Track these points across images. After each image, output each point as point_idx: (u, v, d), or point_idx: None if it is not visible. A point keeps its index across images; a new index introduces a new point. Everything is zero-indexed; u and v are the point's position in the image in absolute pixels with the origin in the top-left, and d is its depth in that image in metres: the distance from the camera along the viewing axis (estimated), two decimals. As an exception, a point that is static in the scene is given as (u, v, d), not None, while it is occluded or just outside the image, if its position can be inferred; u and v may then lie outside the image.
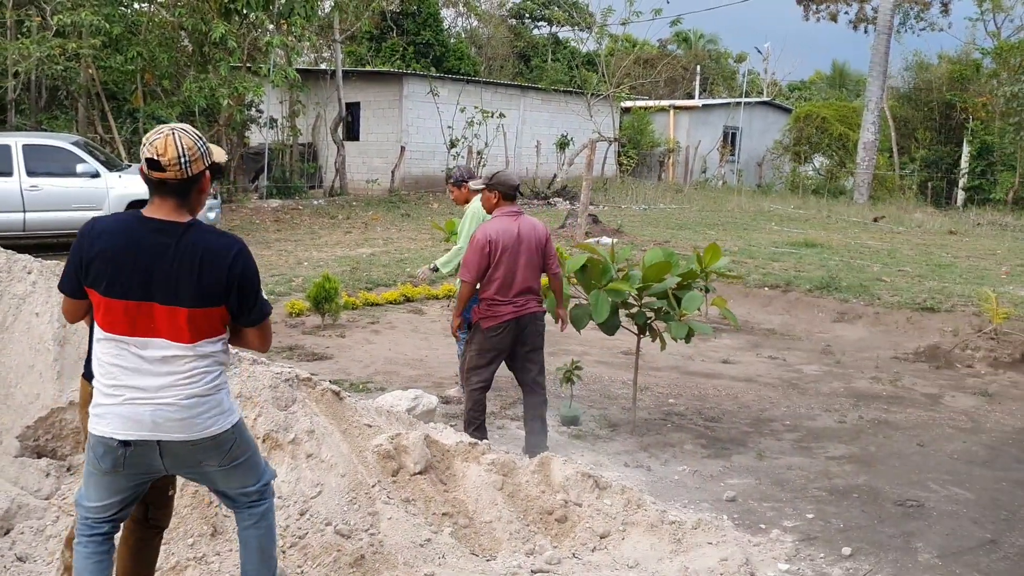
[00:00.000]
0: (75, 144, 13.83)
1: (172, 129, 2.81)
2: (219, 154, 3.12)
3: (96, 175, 13.30)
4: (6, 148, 13.07)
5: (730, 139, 33.78)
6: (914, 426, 6.77)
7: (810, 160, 32.59)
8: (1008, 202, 26.36)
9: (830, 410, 7.09)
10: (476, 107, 24.90)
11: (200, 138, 2.88)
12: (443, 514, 4.46)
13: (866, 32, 34.98)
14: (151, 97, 20.67)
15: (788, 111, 35.35)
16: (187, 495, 4.16)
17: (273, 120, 23.56)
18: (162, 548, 3.96)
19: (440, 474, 4.73)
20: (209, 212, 14.19)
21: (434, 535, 4.25)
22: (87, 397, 3.17)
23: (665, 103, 33.11)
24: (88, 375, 3.21)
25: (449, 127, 24.77)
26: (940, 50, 38.63)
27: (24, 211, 12.86)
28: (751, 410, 7.03)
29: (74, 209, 13.05)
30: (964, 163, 29.58)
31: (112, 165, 14.18)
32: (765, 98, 38.45)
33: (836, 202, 26.37)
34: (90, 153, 13.76)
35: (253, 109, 22.32)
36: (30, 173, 12.99)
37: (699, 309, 6.09)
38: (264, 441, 4.33)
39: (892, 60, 29.55)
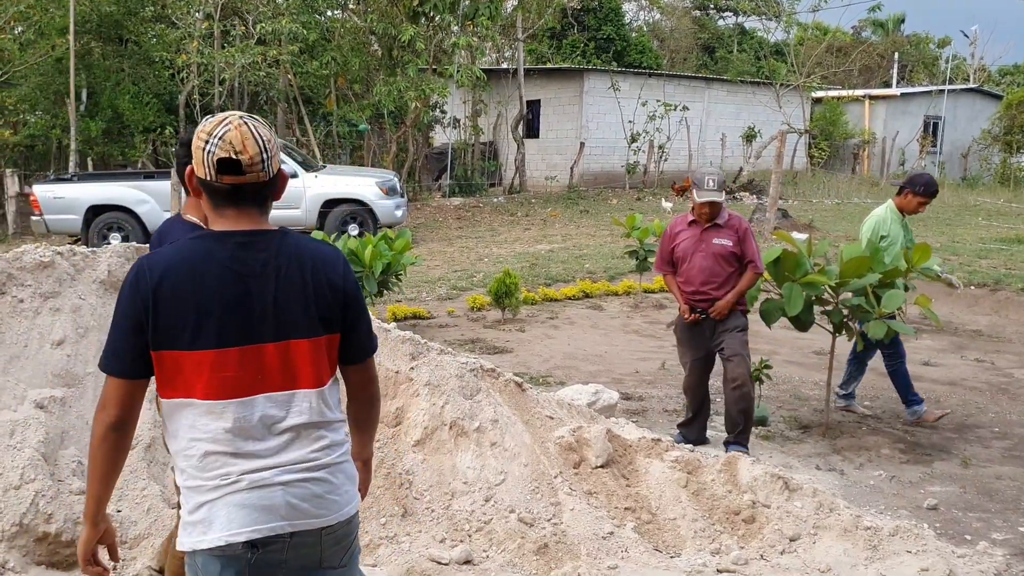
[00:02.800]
0: (276, 146, 14.71)
1: (241, 118, 2.11)
2: None
3: (294, 175, 14.10)
4: (214, 150, 14.08)
5: (931, 129, 31.70)
6: None
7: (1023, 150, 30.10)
8: None
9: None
10: (658, 101, 24.60)
11: (271, 125, 2.25)
12: (625, 508, 4.42)
13: (1092, 8, 31.79)
14: (343, 101, 21.73)
15: (998, 98, 32.75)
16: (379, 476, 4.33)
17: (456, 120, 24.22)
18: (355, 526, 4.14)
19: (622, 469, 4.69)
20: (397, 211, 14.77)
21: (616, 529, 4.22)
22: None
23: (860, 92, 31.50)
24: None
25: (630, 122, 24.61)
26: None
27: (230, 208, 13.79)
28: (955, 415, 6.55)
29: (274, 208, 13.90)
30: None
31: (308, 166, 15.01)
32: (972, 85, 35.85)
33: (1054, 195, 24.25)
34: (288, 154, 14.61)
35: (437, 110, 23.01)
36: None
37: (900, 308, 5.75)
38: (451, 428, 4.44)
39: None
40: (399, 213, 14.84)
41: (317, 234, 6.60)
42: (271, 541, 2.09)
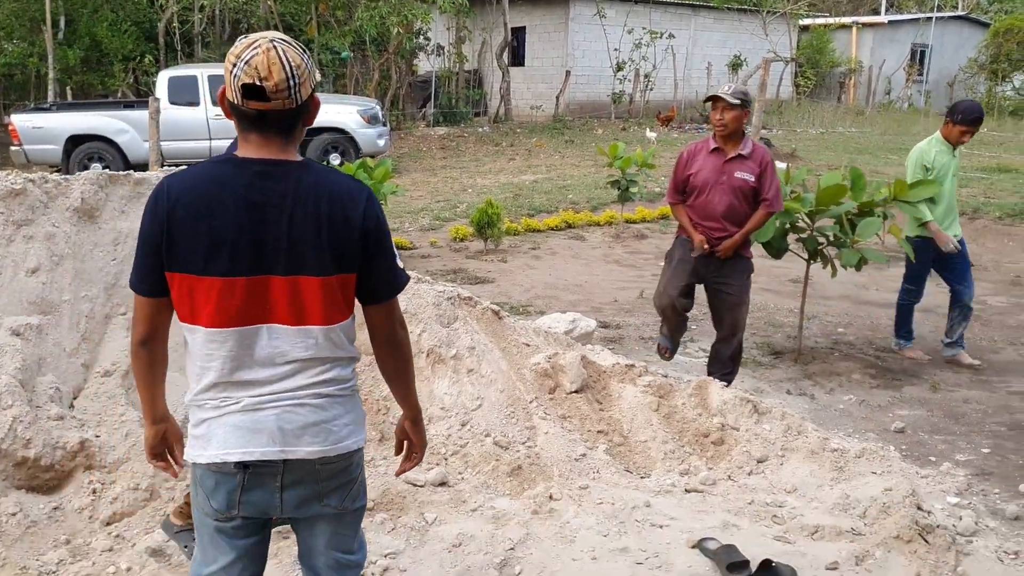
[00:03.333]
0: (256, 74, 14.52)
1: (272, 42, 2.04)
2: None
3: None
4: (193, 79, 13.91)
5: (918, 58, 31.45)
6: (1113, 363, 6.25)
7: (1009, 79, 29.94)
8: None
9: (1016, 343, 6.64)
10: (644, 28, 24.27)
11: (304, 49, 2.14)
12: (598, 432, 4.52)
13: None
14: (325, 27, 21.34)
15: (986, 26, 32.46)
16: (356, 403, 4.42)
17: (440, 47, 23.84)
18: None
19: (596, 394, 4.79)
20: (379, 140, 14.65)
21: (589, 451, 4.32)
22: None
23: (847, 20, 31.15)
24: None
25: (616, 50, 24.30)
26: None
27: (210, 139, 13.68)
28: (927, 341, 6.67)
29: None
30: None
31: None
32: (960, 12, 35.46)
33: (1038, 124, 24.23)
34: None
35: (421, 37, 22.65)
36: (215, 103, 13.75)
37: (878, 235, 5.81)
38: (428, 356, 4.51)
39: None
40: (381, 142, 14.73)
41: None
42: (262, 464, 2.13)
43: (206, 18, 20.15)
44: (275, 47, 2.03)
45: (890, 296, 8.02)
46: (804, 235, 5.86)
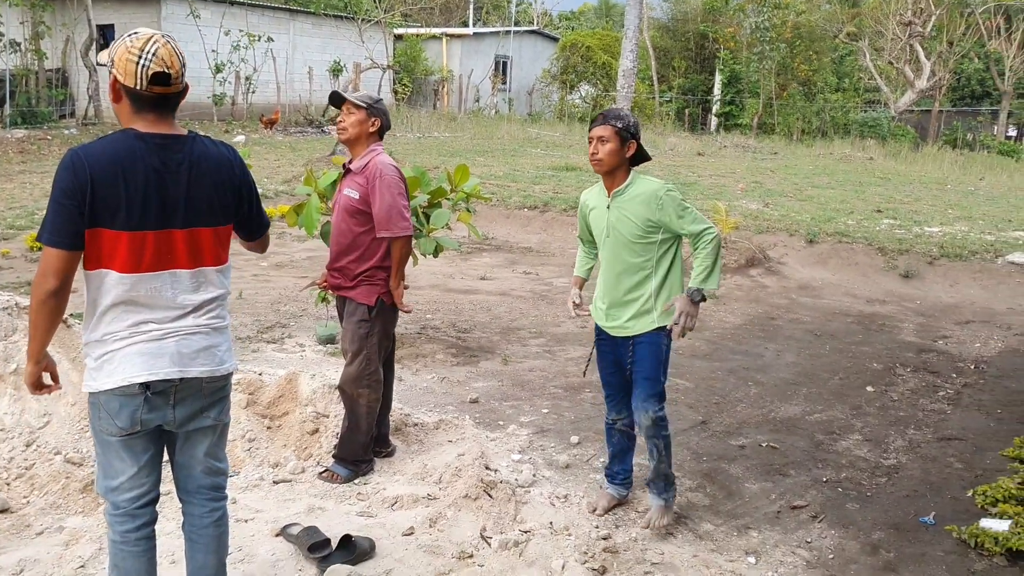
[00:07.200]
0: None
1: (164, 37, 2.55)
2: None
3: None
4: None
5: (502, 68, 34.23)
6: (648, 328, 7.36)
7: (577, 88, 33.64)
8: (753, 127, 28.53)
9: (574, 317, 7.54)
10: (242, 31, 23.78)
11: None
12: (184, 436, 4.44)
13: (628, -37, 36.19)
14: None
15: (556, 40, 36.19)
16: None
17: (15, 43, 21.45)
18: None
19: (182, 397, 4.69)
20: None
21: (173, 456, 4.23)
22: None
23: (437, 31, 33.01)
24: None
25: (214, 51, 23.52)
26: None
27: None
28: (502, 321, 7.37)
29: None
30: (716, 91, 31.65)
31: None
32: (534, 27, 39.15)
33: (601, 128, 27.43)
34: None
35: (-11, 31, 20.23)
36: None
37: (448, 226, 6.29)
38: (-17, 374, 4.13)
39: (652, -9, 30.81)
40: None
41: None
42: (161, 384, 2.59)
43: None
44: (169, 42, 2.54)
45: (472, 283, 8.76)
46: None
